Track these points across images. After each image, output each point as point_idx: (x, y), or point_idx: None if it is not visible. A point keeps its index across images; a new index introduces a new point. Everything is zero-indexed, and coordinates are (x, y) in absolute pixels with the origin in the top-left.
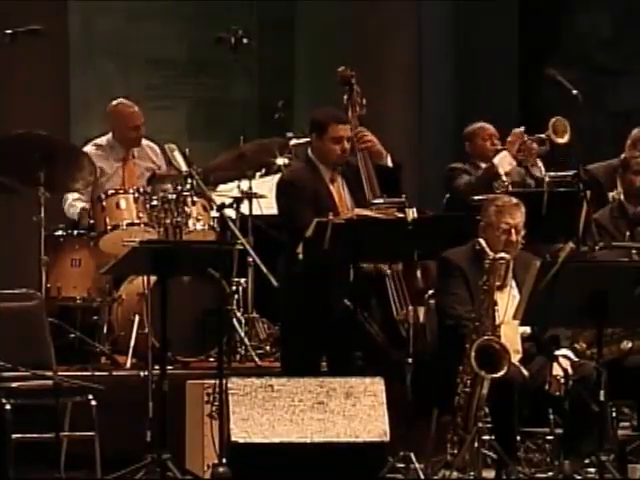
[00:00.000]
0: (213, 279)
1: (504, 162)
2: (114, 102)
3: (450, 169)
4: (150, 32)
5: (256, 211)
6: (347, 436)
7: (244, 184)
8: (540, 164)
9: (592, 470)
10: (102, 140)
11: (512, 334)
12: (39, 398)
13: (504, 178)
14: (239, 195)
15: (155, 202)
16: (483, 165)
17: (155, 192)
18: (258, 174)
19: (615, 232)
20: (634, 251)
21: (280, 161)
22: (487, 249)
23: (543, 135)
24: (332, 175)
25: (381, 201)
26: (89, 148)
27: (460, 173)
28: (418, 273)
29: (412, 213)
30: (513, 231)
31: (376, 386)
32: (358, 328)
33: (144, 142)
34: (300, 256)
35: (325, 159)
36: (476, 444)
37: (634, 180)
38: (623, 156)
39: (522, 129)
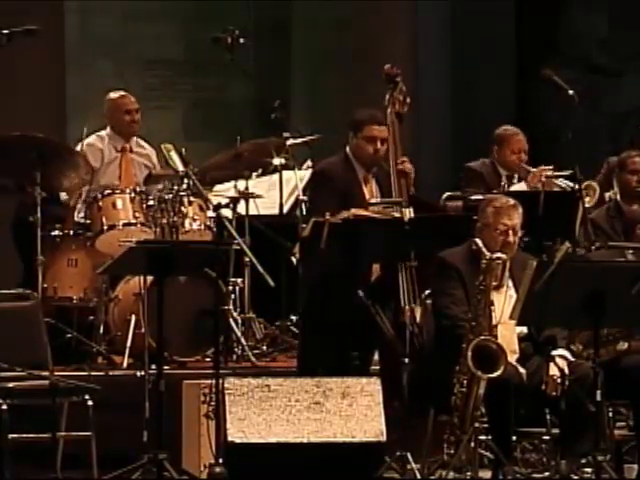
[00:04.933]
0: (210, 279)
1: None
2: (109, 94)
3: (467, 169)
4: (147, 32)
5: (253, 211)
6: (344, 436)
7: (241, 184)
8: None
9: (588, 470)
10: (102, 132)
11: (509, 334)
12: (36, 398)
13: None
14: (236, 195)
15: (152, 202)
16: (503, 172)
17: (151, 192)
18: (255, 174)
19: (611, 232)
20: (631, 251)
21: (277, 161)
22: (484, 249)
23: (572, 185)
24: (366, 175)
25: (378, 201)
26: (91, 138)
27: (473, 179)
28: None
29: (409, 213)
30: (510, 232)
31: (372, 386)
32: (372, 323)
33: (142, 143)
34: (296, 256)
35: (360, 158)
36: (473, 444)
37: (630, 180)
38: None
39: (549, 168)
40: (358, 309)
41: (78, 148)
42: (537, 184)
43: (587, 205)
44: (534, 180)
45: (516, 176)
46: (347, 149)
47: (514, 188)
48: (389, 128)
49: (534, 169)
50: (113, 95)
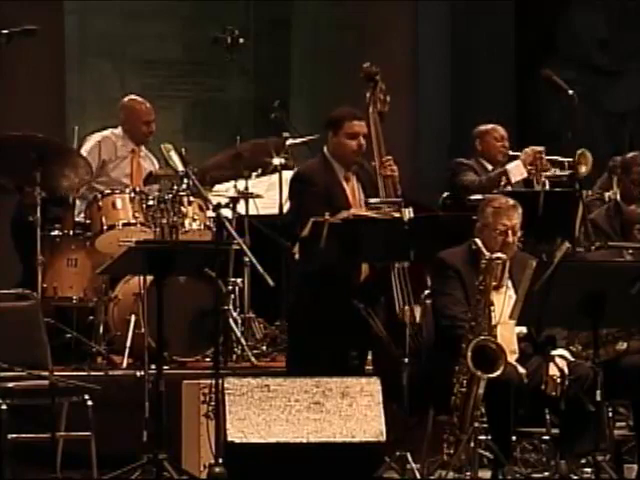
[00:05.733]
0: (209, 279)
1: (516, 171)
2: (126, 98)
3: (456, 163)
4: (146, 32)
5: (252, 211)
6: (343, 436)
7: (240, 184)
8: (547, 184)
9: (588, 470)
10: (115, 130)
11: (508, 334)
12: (35, 398)
13: (509, 189)
14: (235, 195)
15: (151, 202)
16: (489, 166)
17: (151, 192)
18: (254, 174)
19: (611, 232)
20: (630, 251)
21: (276, 161)
22: (483, 249)
23: (564, 160)
24: (346, 174)
25: (377, 200)
26: (105, 132)
27: (466, 169)
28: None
29: (408, 213)
30: (510, 232)
31: (372, 386)
32: (364, 325)
33: (144, 149)
34: (296, 256)
35: (340, 156)
36: (472, 444)
37: (632, 189)
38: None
39: (542, 149)
40: (351, 309)
41: (88, 144)
42: (530, 164)
43: (582, 175)
44: (528, 159)
45: None
46: (325, 150)
47: (511, 166)
48: (371, 127)
49: (526, 149)
50: (133, 100)
